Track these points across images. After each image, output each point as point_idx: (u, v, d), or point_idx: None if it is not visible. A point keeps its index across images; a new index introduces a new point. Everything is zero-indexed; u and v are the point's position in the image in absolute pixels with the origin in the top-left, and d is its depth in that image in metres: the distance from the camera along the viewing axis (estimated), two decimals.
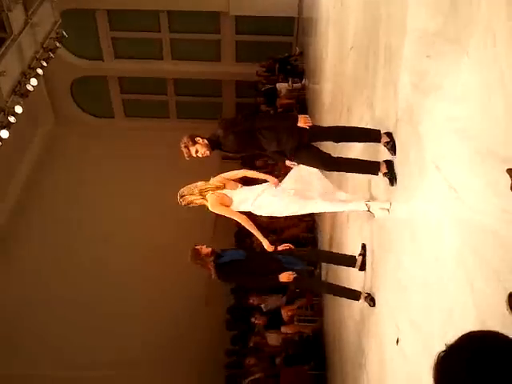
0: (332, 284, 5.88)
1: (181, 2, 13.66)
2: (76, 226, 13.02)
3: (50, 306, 11.39)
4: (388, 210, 4.17)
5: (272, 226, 9.47)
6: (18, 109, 10.39)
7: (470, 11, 2.74)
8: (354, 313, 5.27)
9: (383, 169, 4.05)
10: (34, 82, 10.94)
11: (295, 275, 4.78)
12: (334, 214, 6.60)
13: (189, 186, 4.62)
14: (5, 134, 9.93)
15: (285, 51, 13.83)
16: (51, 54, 11.63)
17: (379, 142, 4.11)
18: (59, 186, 14.02)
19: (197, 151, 4.25)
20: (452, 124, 2.92)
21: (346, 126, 4.65)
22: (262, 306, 9.11)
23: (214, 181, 4.62)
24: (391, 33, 4.28)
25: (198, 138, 4.25)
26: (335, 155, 4.43)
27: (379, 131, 4.13)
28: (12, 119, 10.18)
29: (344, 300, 5.37)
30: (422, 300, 3.29)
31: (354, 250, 5.07)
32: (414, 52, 3.65)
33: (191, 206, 4.60)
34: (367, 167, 4.27)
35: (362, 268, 4.79)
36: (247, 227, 4.68)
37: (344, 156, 4.59)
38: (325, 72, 8.78)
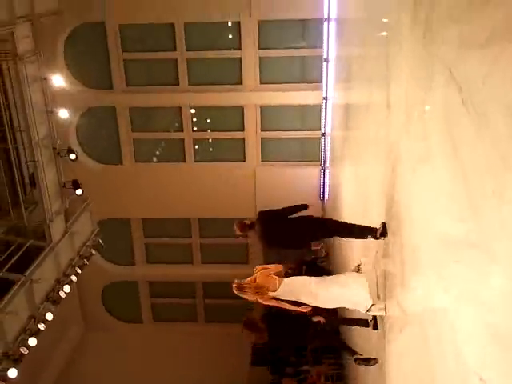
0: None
1: (211, 212, 14.43)
2: None
3: None
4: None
5: None
6: (49, 316, 10.43)
7: (491, 215, 2.79)
8: None
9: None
10: (67, 288, 11.16)
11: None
12: None
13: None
14: (33, 341, 9.84)
15: (311, 253, 14.10)
16: (86, 261, 12.06)
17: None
18: None
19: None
20: (490, 330, 2.79)
21: None
22: None
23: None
24: (416, 235, 4.35)
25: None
26: None
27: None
28: (41, 326, 10.18)
29: None
30: None
31: None
32: (440, 257, 3.66)
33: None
34: None
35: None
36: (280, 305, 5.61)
37: None
38: None
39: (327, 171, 13.57)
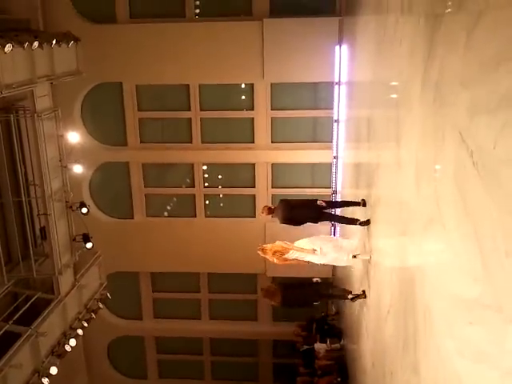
0: None
1: (220, 267, 14.38)
2: None
3: None
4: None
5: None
6: (53, 370, 10.25)
7: (505, 276, 2.79)
8: None
9: None
10: (72, 342, 11.02)
11: None
12: None
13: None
14: None
15: (321, 310, 13.92)
16: (93, 315, 11.95)
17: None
18: None
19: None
20: None
21: None
22: None
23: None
24: (428, 297, 4.33)
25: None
26: None
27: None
28: (45, 381, 9.99)
29: None
30: None
31: None
32: (454, 318, 3.63)
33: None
34: None
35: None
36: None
37: None
38: (362, 334, 8.66)
39: (337, 228, 13.57)
